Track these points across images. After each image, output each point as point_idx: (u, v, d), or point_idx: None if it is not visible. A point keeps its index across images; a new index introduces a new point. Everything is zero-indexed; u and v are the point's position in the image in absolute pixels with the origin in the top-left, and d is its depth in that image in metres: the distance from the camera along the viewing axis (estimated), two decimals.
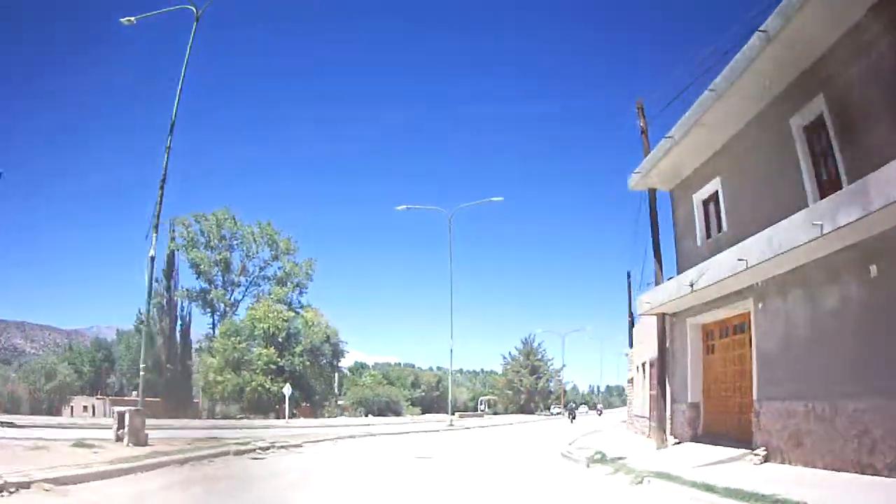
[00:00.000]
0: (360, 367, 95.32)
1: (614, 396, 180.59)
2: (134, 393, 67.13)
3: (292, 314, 59.34)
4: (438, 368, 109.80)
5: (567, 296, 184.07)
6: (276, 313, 56.43)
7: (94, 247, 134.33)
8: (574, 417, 52.55)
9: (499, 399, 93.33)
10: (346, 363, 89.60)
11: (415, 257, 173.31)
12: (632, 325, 32.00)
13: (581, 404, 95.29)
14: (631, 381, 27.57)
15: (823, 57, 10.94)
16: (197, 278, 60.50)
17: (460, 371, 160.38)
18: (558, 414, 74.17)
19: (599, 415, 76.28)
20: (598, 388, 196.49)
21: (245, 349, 55.22)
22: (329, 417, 54.59)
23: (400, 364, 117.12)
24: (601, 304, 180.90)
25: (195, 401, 62.24)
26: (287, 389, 40.95)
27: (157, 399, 57.66)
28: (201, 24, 16.15)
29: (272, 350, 54.75)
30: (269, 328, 55.48)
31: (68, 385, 71.19)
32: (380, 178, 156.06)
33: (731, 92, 12.63)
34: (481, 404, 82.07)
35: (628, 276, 34.20)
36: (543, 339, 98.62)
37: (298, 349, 57.16)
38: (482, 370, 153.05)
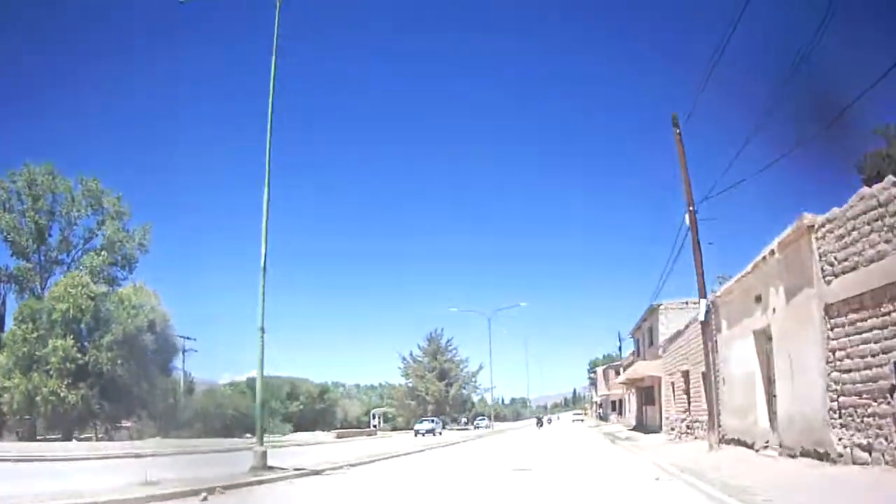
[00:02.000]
0: None
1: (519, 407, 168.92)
2: None
3: (104, 290, 43.82)
4: (336, 384, 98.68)
5: (496, 274, 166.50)
6: (79, 289, 40.83)
7: None
8: (542, 425, 52.88)
9: (400, 411, 75.32)
10: (223, 379, 72.34)
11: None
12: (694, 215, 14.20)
13: (483, 418, 74.70)
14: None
15: None
16: (11, 255, 46.25)
17: (357, 386, 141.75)
18: (428, 433, 49.35)
19: (549, 423, 74.70)
20: (507, 398, 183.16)
21: (39, 341, 39.69)
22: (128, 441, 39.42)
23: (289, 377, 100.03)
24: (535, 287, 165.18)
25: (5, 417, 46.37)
26: None
27: None
28: None
29: (70, 342, 39.36)
30: (68, 310, 39.99)
31: None
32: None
33: None
34: (374, 418, 62.90)
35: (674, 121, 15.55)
36: (453, 336, 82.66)
37: (106, 340, 41.07)
38: (382, 384, 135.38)
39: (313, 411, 76.35)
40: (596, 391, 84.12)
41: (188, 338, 59.44)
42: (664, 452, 17.21)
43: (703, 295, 17.86)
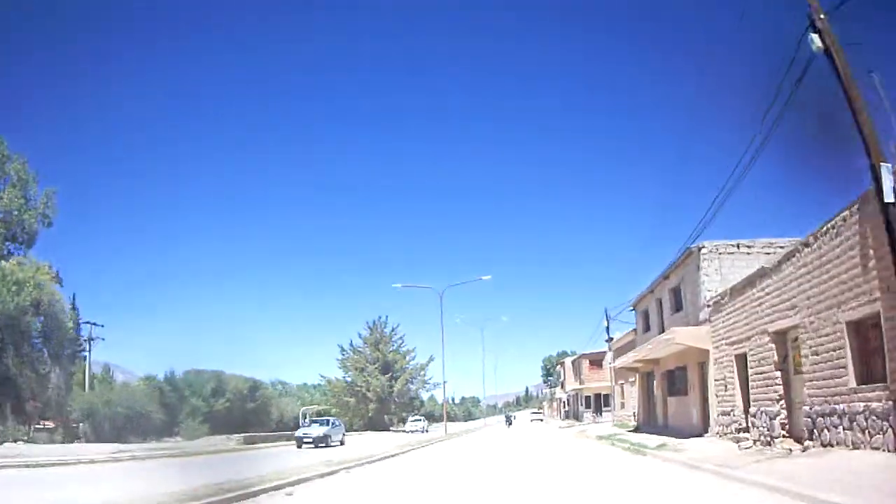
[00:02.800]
0: None
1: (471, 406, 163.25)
2: None
3: None
4: (277, 382, 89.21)
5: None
6: None
7: None
8: (511, 423, 50.53)
9: (339, 410, 66.41)
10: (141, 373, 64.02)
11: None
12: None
13: (418, 418, 64.35)
14: None
15: None
16: None
17: (304, 384, 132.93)
18: (320, 443, 32.13)
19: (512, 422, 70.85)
20: (458, 398, 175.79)
21: None
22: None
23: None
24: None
25: None
26: None
27: None
28: None
29: None
30: None
31: None
32: None
33: None
34: (304, 418, 54.07)
35: None
36: (399, 323, 74.37)
37: None
38: (322, 379, 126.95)
39: (243, 410, 67.35)
40: (562, 386, 75.25)
41: (95, 324, 51.66)
42: (850, 487, 8.15)
43: (877, 158, 9.14)
